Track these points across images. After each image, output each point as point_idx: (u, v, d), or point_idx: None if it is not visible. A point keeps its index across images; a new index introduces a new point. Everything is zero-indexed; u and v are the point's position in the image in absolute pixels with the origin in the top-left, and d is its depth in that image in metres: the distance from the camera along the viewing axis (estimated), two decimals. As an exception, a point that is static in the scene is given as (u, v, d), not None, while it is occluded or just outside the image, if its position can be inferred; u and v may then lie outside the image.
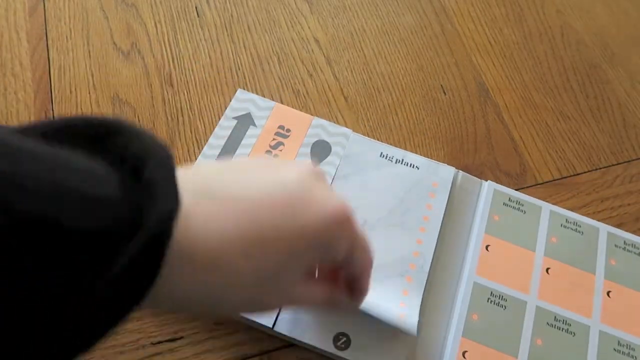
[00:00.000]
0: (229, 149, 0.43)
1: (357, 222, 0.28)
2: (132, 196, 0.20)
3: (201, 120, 0.46)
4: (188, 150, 0.44)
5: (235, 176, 0.26)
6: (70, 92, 0.47)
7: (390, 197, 0.42)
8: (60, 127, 0.21)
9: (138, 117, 0.46)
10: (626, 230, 0.43)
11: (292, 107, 0.47)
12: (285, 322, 0.37)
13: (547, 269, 0.40)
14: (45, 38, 0.49)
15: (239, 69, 0.49)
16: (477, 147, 0.47)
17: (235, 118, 0.45)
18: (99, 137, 0.21)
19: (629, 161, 0.48)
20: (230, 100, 0.46)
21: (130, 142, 0.21)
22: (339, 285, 0.31)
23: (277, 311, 0.37)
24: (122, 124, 0.22)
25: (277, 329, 0.36)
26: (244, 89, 0.47)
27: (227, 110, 0.46)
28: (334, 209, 0.26)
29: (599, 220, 0.43)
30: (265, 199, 0.25)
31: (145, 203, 0.19)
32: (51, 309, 0.18)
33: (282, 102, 0.47)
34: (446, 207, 0.42)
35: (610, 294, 0.40)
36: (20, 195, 0.17)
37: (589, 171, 0.47)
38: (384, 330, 0.37)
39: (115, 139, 0.21)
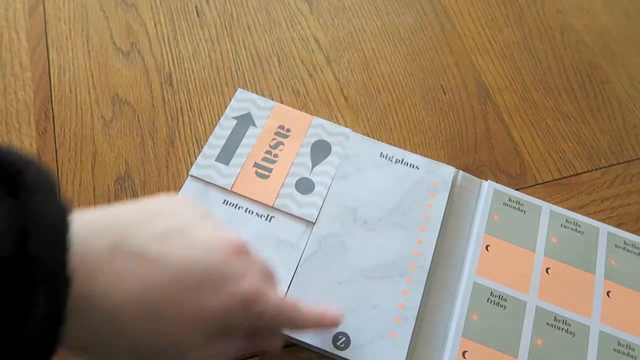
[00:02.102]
0: (229, 148, 0.43)
1: (271, 297, 0.28)
2: (26, 260, 0.19)
3: (201, 120, 0.46)
4: (188, 151, 0.44)
5: (164, 231, 0.26)
6: (70, 92, 0.47)
7: (390, 197, 0.42)
8: None
9: (138, 117, 0.46)
10: (626, 230, 0.43)
11: (292, 107, 0.47)
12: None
13: (547, 269, 0.40)
14: (45, 38, 0.49)
15: (239, 69, 0.49)
16: (477, 147, 0.47)
17: (235, 118, 0.45)
18: (4, 180, 0.21)
19: (629, 161, 0.48)
20: (230, 100, 0.46)
21: (29, 196, 0.20)
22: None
23: None
24: (24, 167, 0.21)
25: (277, 328, 0.36)
26: (244, 89, 0.47)
27: (227, 110, 0.46)
28: (242, 293, 0.27)
29: (599, 220, 0.43)
30: (181, 273, 0.25)
31: (35, 277, 0.19)
32: None
33: (282, 102, 0.47)
34: (446, 207, 0.42)
35: (610, 294, 0.40)
36: None
37: (589, 171, 0.47)
38: (384, 330, 0.37)
39: (17, 187, 0.21)
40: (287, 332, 0.35)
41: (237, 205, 0.41)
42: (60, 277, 0.20)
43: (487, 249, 0.41)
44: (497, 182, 0.44)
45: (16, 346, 0.19)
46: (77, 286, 0.21)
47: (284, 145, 0.44)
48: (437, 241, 0.41)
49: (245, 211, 0.41)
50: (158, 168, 0.44)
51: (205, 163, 0.43)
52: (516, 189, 0.45)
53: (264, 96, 0.47)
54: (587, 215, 0.44)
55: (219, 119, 0.45)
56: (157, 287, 0.24)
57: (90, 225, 0.23)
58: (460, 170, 0.44)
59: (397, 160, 0.44)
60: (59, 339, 0.20)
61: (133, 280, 0.24)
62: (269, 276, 0.30)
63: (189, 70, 0.48)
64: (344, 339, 0.36)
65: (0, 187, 0.20)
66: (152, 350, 0.25)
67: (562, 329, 0.38)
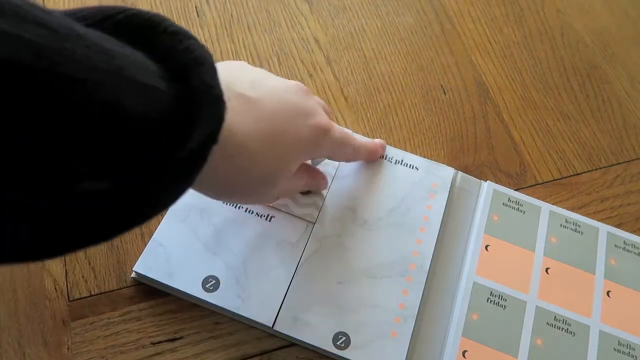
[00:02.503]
0: (229, 149, 0.43)
1: (335, 128, 0.36)
2: (190, 92, 0.23)
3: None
4: (188, 150, 0.44)
5: (251, 81, 0.31)
6: (71, 92, 0.47)
7: (390, 198, 0.42)
8: (101, 18, 0.23)
9: (138, 117, 0.46)
10: (626, 230, 0.43)
11: (292, 107, 0.47)
12: (284, 321, 0.37)
13: (547, 269, 0.40)
14: (45, 38, 0.49)
15: (239, 69, 0.49)
16: (477, 147, 0.47)
17: (235, 118, 0.45)
18: (144, 30, 0.24)
19: (629, 161, 0.48)
20: (230, 100, 0.46)
21: (178, 41, 0.24)
22: (311, 174, 0.39)
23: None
24: (164, 20, 0.24)
25: (277, 328, 0.36)
26: (244, 89, 0.48)
27: (227, 110, 0.46)
28: (321, 123, 0.34)
29: (598, 220, 0.43)
30: (278, 108, 0.31)
31: (200, 104, 0.23)
32: (133, 178, 0.21)
33: (282, 102, 0.47)
34: (446, 208, 0.42)
35: (610, 294, 0.40)
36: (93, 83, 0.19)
37: (589, 171, 0.47)
38: (384, 330, 0.37)
39: (162, 36, 0.24)
40: (349, 157, 0.41)
41: (237, 205, 0.41)
42: (221, 101, 0.24)
43: (486, 249, 0.41)
44: (497, 182, 0.45)
45: (176, 163, 0.22)
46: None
47: (284, 145, 0.44)
48: (436, 241, 0.41)
49: (246, 211, 0.41)
50: (158, 168, 0.44)
51: (205, 163, 0.43)
52: (516, 189, 0.45)
53: (264, 96, 0.47)
54: (587, 215, 0.44)
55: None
56: (266, 122, 0.30)
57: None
58: (460, 171, 0.44)
59: (396, 161, 0.44)
60: (207, 157, 0.24)
61: (247, 116, 0.29)
62: (326, 109, 0.37)
63: (189, 70, 0.48)
64: (343, 338, 0.36)
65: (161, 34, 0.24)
66: (268, 177, 0.31)
67: (562, 328, 0.38)
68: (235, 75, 0.30)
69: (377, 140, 0.43)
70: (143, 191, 0.22)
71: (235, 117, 0.28)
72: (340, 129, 0.37)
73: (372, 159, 0.43)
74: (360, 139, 0.41)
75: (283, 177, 0.33)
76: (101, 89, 0.19)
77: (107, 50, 0.20)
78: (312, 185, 0.40)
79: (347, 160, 0.42)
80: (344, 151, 0.38)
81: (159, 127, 0.21)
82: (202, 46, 0.25)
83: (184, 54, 0.23)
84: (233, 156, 0.28)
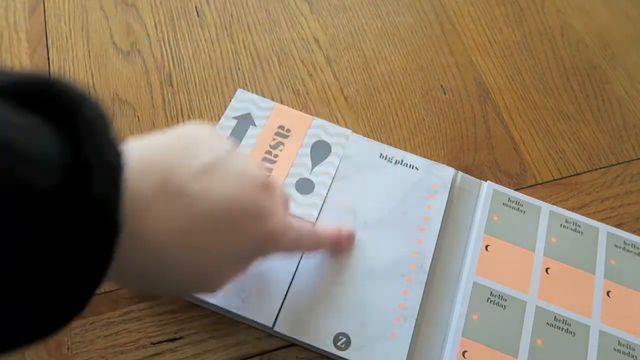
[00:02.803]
0: (229, 149, 0.43)
1: (292, 229, 0.32)
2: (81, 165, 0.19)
3: (201, 120, 0.46)
4: (188, 150, 0.44)
5: (202, 167, 0.27)
6: (70, 92, 0.47)
7: (390, 198, 0.42)
8: (6, 85, 0.20)
9: (138, 117, 0.46)
10: (626, 230, 0.43)
11: (292, 107, 0.47)
12: (285, 322, 0.37)
13: (547, 269, 0.40)
14: (45, 38, 0.49)
15: (239, 69, 0.49)
16: (477, 147, 0.47)
17: (235, 118, 0.45)
18: (51, 103, 0.21)
19: (629, 161, 0.48)
20: (230, 100, 0.46)
21: (86, 128, 0.20)
22: None
23: (277, 312, 0.37)
24: (77, 97, 0.21)
25: (277, 329, 0.36)
26: (244, 89, 0.47)
27: (227, 110, 0.46)
28: (270, 231, 0.30)
29: (598, 220, 0.43)
30: (222, 209, 0.27)
31: (99, 201, 0.20)
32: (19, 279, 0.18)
33: (282, 102, 0.47)
34: (446, 208, 0.42)
35: (610, 294, 0.40)
36: None
37: (589, 171, 0.47)
38: (384, 330, 0.37)
39: (70, 115, 0.20)
40: (309, 251, 0.39)
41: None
42: (115, 217, 0.20)
43: (486, 249, 0.41)
44: (497, 182, 0.45)
45: (64, 282, 0.20)
46: (126, 225, 0.21)
47: (284, 145, 0.44)
48: (436, 241, 0.41)
49: (246, 211, 0.41)
50: (158, 168, 0.44)
51: (205, 163, 0.43)
52: (516, 189, 0.45)
53: (264, 96, 0.47)
54: (587, 215, 0.44)
55: (219, 119, 0.45)
56: (199, 224, 0.26)
57: (138, 162, 0.24)
58: (460, 171, 0.44)
59: (396, 161, 0.44)
60: (103, 276, 0.21)
61: (177, 218, 0.25)
62: (287, 205, 0.33)
63: (189, 70, 0.48)
64: (344, 339, 0.36)
65: (60, 123, 0.20)
66: (195, 281, 0.28)
67: (562, 328, 0.38)
68: (179, 160, 0.26)
69: (345, 229, 0.39)
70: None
71: (159, 217, 0.24)
72: (296, 230, 0.33)
73: (339, 250, 0.40)
74: (323, 229, 0.38)
75: (219, 283, 0.30)
76: None
77: None
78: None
79: (309, 253, 0.39)
80: (300, 248, 0.37)
81: (45, 214, 0.18)
82: (110, 140, 0.21)
83: (86, 144, 0.20)
84: (148, 260, 0.25)
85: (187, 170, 0.26)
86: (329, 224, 0.39)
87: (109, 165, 0.20)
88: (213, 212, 0.26)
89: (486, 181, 0.44)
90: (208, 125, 0.30)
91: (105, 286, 0.38)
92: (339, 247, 0.39)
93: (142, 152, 0.25)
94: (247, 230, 0.28)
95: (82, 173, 0.19)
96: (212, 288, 0.30)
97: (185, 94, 0.47)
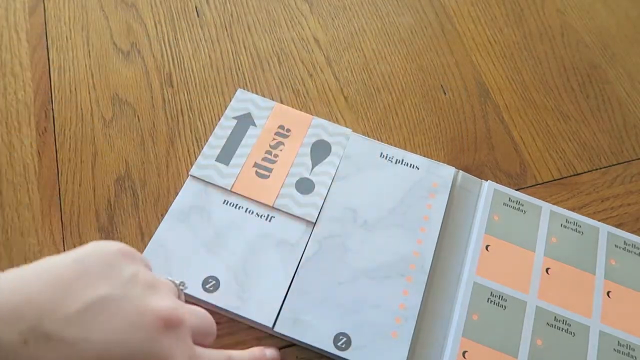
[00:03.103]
0: (229, 148, 0.43)
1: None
2: None
3: (201, 120, 0.46)
4: (188, 150, 0.44)
5: (85, 306, 0.24)
6: (70, 92, 0.47)
7: (390, 197, 0.42)
8: None
9: (138, 117, 0.46)
10: (626, 230, 0.43)
11: (292, 107, 0.47)
12: (285, 322, 0.37)
13: (547, 269, 0.40)
14: (45, 38, 0.49)
15: (239, 69, 0.49)
16: (477, 147, 0.47)
17: (235, 118, 0.45)
18: None
19: (629, 161, 0.48)
20: (230, 100, 0.46)
21: None
22: None
23: (277, 312, 0.37)
24: None
25: (277, 329, 0.36)
26: (244, 89, 0.47)
27: (227, 110, 0.46)
28: None
29: (599, 220, 0.43)
30: (108, 354, 0.24)
31: None
32: None
33: (282, 102, 0.47)
34: (446, 207, 0.42)
35: (610, 294, 0.40)
36: None
37: (589, 171, 0.47)
38: (385, 331, 0.37)
39: None
40: None
41: (237, 205, 0.41)
42: None
43: (487, 249, 0.41)
44: (497, 182, 0.44)
45: None
46: None
47: (284, 145, 0.44)
48: (437, 241, 0.41)
49: (246, 211, 0.41)
50: (158, 168, 0.44)
51: (205, 163, 0.43)
52: (516, 189, 0.45)
53: (264, 96, 0.47)
54: (587, 215, 0.44)
55: (219, 119, 0.45)
56: None
57: (1, 310, 0.22)
58: (460, 171, 0.44)
59: (397, 160, 0.44)
60: None
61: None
62: (205, 331, 0.29)
63: (189, 70, 0.48)
64: (344, 339, 0.36)
65: None
66: None
67: (562, 329, 0.38)
68: (62, 297, 0.23)
69: (269, 353, 0.35)
70: None
71: None
72: None
73: None
74: (243, 356, 0.33)
75: None
76: None
77: None
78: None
79: None
80: None
81: None
82: None
83: None
84: None
85: (66, 312, 0.23)
86: (245, 352, 0.34)
87: None
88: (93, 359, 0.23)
89: (487, 181, 0.44)
90: (118, 244, 0.27)
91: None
92: None
93: (21, 287, 0.23)
94: None
95: None
96: None
97: (185, 94, 0.47)
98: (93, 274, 0.25)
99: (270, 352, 0.35)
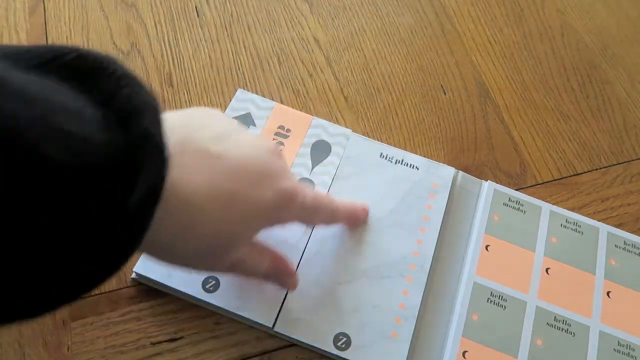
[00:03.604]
0: (229, 149, 0.43)
1: (305, 194, 0.32)
2: (128, 141, 0.21)
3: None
4: (188, 150, 0.44)
5: (217, 134, 0.29)
6: (70, 92, 0.47)
7: (390, 198, 0.42)
8: (51, 57, 0.22)
9: (138, 117, 0.46)
10: (626, 230, 0.43)
11: (292, 107, 0.47)
12: (285, 322, 0.37)
13: (547, 269, 0.40)
14: (45, 38, 0.49)
15: (239, 69, 0.49)
16: (477, 147, 0.47)
17: (235, 118, 0.45)
18: (91, 72, 0.22)
19: (629, 161, 0.48)
20: (230, 100, 0.46)
21: (124, 86, 0.23)
22: (279, 260, 0.35)
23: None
24: (112, 63, 0.23)
25: (277, 329, 0.36)
26: (244, 89, 0.47)
27: (227, 110, 0.46)
28: (288, 188, 0.30)
29: (599, 220, 0.43)
30: (241, 166, 0.28)
31: (143, 154, 0.21)
32: (65, 241, 0.19)
33: (282, 102, 0.47)
34: (446, 207, 0.42)
35: (610, 294, 0.40)
36: (24, 133, 0.18)
37: (589, 171, 0.47)
38: (384, 330, 0.37)
39: (108, 79, 0.22)
40: (325, 222, 0.38)
41: (237, 205, 0.41)
42: (161, 153, 0.22)
43: (487, 249, 0.41)
44: (497, 182, 0.44)
45: (116, 221, 0.21)
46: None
47: (284, 145, 0.44)
48: (437, 241, 0.41)
49: (246, 211, 0.41)
50: (158, 168, 0.44)
51: (205, 163, 0.43)
52: (516, 189, 0.45)
53: (264, 96, 0.47)
54: (587, 215, 0.44)
55: (219, 119, 0.45)
56: (222, 179, 0.27)
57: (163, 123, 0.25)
58: (460, 171, 0.44)
59: (397, 160, 0.44)
60: (151, 215, 0.22)
61: (201, 172, 0.26)
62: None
63: (189, 70, 0.48)
64: (344, 339, 0.36)
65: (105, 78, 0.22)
66: (216, 240, 0.28)
67: (562, 329, 0.38)
68: (196, 127, 0.28)
69: (360, 204, 0.40)
70: (78, 256, 0.20)
71: (183, 171, 0.25)
72: (313, 195, 0.33)
73: (354, 224, 0.40)
74: (340, 202, 0.37)
75: (237, 244, 0.30)
76: (15, 136, 0.17)
77: (31, 98, 0.19)
78: (276, 276, 0.35)
79: (324, 224, 0.39)
80: (316, 217, 0.36)
81: (92, 180, 0.20)
82: (147, 93, 0.23)
83: (125, 100, 0.22)
84: (177, 213, 0.25)
85: (204, 136, 0.28)
86: (343, 198, 0.39)
87: (153, 109, 0.23)
88: (235, 168, 0.28)
89: (486, 181, 0.44)
90: (216, 109, 0.32)
91: (105, 286, 0.38)
92: (354, 221, 0.40)
93: (164, 116, 0.26)
94: (267, 185, 0.29)
95: (130, 117, 0.22)
96: (236, 246, 0.30)
97: (185, 94, 0.47)
98: (214, 119, 0.30)
99: (361, 205, 0.40)
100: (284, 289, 0.37)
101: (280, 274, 0.35)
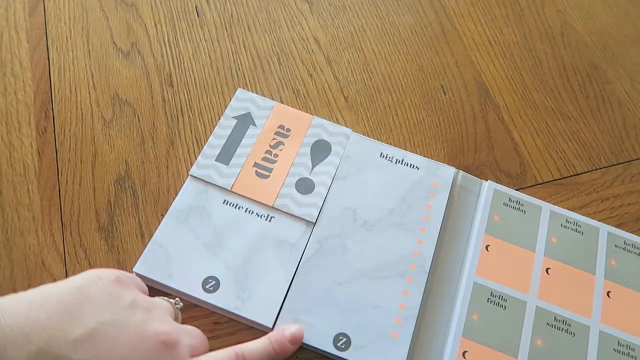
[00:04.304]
0: (229, 148, 0.43)
1: None
2: None
3: (201, 120, 0.46)
4: (188, 150, 0.44)
5: (87, 333, 0.25)
6: (70, 92, 0.47)
7: (391, 197, 0.42)
8: None
9: (138, 117, 0.46)
10: (626, 230, 0.43)
11: (292, 107, 0.47)
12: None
13: (547, 269, 0.40)
14: (45, 38, 0.49)
15: (239, 69, 0.49)
16: (477, 147, 0.47)
17: (235, 118, 0.45)
18: None
19: (629, 161, 0.48)
20: (230, 100, 0.46)
21: None
22: None
23: (277, 312, 0.37)
24: None
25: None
26: (244, 89, 0.47)
27: (227, 110, 0.46)
28: None
29: (599, 220, 0.43)
30: None
31: None
32: None
33: (282, 102, 0.47)
34: (446, 207, 0.42)
35: (610, 294, 0.40)
36: None
37: (589, 171, 0.47)
38: (385, 331, 0.37)
39: None
40: None
41: (237, 205, 0.41)
42: None
43: (487, 249, 0.41)
44: (497, 182, 0.44)
45: None
46: None
47: (284, 145, 0.44)
48: (437, 241, 0.41)
49: (246, 211, 0.41)
50: (158, 168, 0.44)
51: (205, 163, 0.43)
52: (516, 189, 0.45)
53: (264, 96, 0.47)
54: (587, 215, 0.44)
55: (219, 119, 0.45)
56: None
57: (10, 333, 0.23)
58: (460, 171, 0.44)
59: (397, 160, 0.44)
60: None
61: None
62: (198, 347, 0.31)
63: (189, 70, 0.48)
64: (344, 339, 0.36)
65: None
66: None
67: (562, 329, 0.38)
68: (62, 324, 0.24)
69: (288, 332, 0.35)
70: None
71: None
72: None
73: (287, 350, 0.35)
74: (257, 347, 0.33)
75: None
76: None
77: None
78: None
79: None
80: None
81: None
82: None
83: None
84: None
85: (73, 336, 0.24)
86: (257, 342, 0.34)
87: None
88: None
89: (487, 181, 0.44)
90: (116, 272, 0.29)
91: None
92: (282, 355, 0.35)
93: (28, 312, 0.24)
94: None
95: None
96: None
97: (185, 94, 0.47)
98: (96, 301, 0.26)
99: (290, 331, 0.35)
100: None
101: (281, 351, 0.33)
